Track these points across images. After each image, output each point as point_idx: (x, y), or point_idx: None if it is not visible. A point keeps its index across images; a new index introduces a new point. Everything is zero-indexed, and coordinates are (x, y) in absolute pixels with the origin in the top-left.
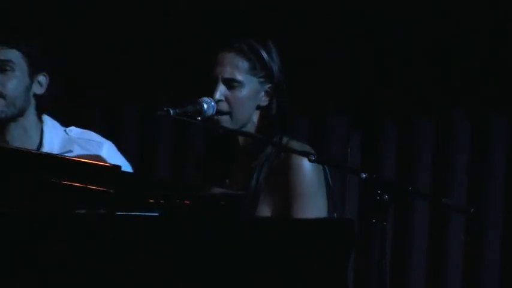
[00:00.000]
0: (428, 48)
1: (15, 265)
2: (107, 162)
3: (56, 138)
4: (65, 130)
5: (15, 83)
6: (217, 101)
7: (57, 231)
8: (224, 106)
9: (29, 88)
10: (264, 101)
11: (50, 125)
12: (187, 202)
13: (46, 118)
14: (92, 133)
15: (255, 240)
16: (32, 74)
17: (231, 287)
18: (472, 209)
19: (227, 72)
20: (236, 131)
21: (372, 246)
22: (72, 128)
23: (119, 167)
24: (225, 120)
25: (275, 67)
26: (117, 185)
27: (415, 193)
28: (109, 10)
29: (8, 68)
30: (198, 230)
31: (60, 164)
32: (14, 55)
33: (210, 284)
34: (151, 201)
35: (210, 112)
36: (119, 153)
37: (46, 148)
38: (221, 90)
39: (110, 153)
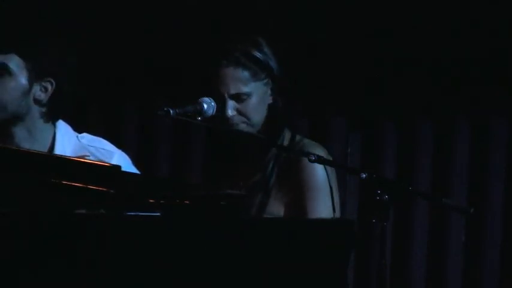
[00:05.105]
0: (428, 48)
1: (15, 265)
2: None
3: (69, 144)
4: (77, 136)
5: (7, 88)
6: (231, 117)
7: (57, 231)
8: (238, 119)
9: (26, 93)
10: (272, 99)
11: (63, 131)
12: (187, 202)
13: (60, 124)
14: (104, 141)
15: (255, 240)
16: (33, 79)
17: (231, 286)
18: (472, 209)
19: (232, 88)
20: (238, 132)
21: (372, 246)
22: (85, 134)
23: (119, 167)
24: (243, 128)
25: (271, 61)
26: (117, 185)
27: (415, 193)
28: (109, 10)
29: (3, 72)
30: (198, 230)
31: (60, 164)
32: (10, 59)
33: (211, 284)
34: (151, 201)
35: (210, 112)
36: (130, 163)
37: (57, 153)
38: (231, 106)
39: (120, 163)
